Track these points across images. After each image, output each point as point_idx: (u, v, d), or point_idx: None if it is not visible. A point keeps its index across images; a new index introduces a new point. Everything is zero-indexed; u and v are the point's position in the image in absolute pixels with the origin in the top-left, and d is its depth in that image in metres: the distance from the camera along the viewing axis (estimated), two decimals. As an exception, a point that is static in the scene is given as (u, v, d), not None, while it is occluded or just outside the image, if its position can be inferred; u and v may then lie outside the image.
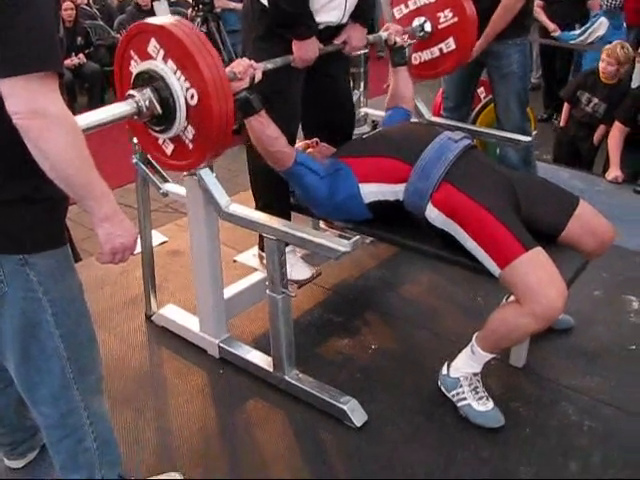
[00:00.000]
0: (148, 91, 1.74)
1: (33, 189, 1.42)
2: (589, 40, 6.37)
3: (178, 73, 1.72)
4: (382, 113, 3.43)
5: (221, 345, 2.54)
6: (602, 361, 2.56)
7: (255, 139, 2.20)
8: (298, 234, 2.13)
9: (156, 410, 2.36)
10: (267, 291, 2.25)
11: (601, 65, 4.66)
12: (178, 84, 1.72)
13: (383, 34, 2.70)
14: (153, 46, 1.75)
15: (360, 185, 2.25)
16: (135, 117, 1.76)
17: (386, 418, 2.29)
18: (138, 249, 2.97)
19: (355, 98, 3.41)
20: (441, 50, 2.98)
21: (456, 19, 2.89)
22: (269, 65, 2.21)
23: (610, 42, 4.94)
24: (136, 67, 1.81)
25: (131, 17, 7.99)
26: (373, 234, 2.50)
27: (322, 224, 3.06)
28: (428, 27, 2.94)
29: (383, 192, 2.24)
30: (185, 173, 2.30)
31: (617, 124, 4.29)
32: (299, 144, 2.54)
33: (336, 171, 2.29)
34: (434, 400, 2.32)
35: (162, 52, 1.74)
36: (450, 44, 2.94)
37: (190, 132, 1.80)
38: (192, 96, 1.73)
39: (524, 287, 2.00)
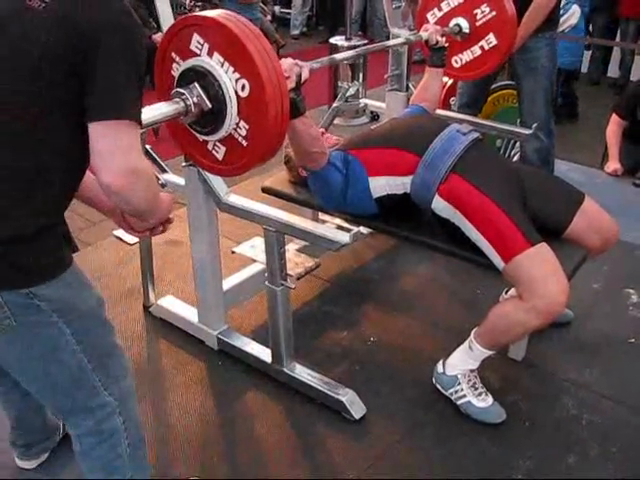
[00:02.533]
0: (195, 85, 1.62)
1: (43, 220, 1.38)
2: (560, 29, 6.33)
3: (225, 65, 1.59)
4: (381, 104, 3.45)
5: (220, 337, 2.54)
6: (601, 355, 2.56)
7: (296, 140, 2.12)
8: (298, 225, 2.12)
9: (154, 402, 2.35)
10: (266, 283, 2.24)
11: None
12: (226, 76, 1.60)
13: (423, 34, 2.66)
14: (196, 41, 1.62)
15: (369, 179, 2.24)
16: (182, 118, 1.64)
17: (385, 410, 2.29)
18: (135, 239, 2.98)
19: (354, 89, 3.41)
20: (482, 48, 2.89)
21: (494, 13, 2.81)
22: (315, 65, 2.12)
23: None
24: (179, 69, 1.68)
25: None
26: (374, 226, 2.49)
27: (321, 216, 3.04)
28: (466, 26, 2.87)
29: (391, 185, 2.22)
30: (184, 163, 2.29)
31: (615, 117, 4.28)
32: None
33: (347, 164, 2.27)
34: (433, 392, 2.31)
35: (207, 46, 1.61)
36: (491, 40, 2.85)
37: (243, 128, 1.65)
38: (243, 87, 1.59)
39: (527, 282, 1.99)
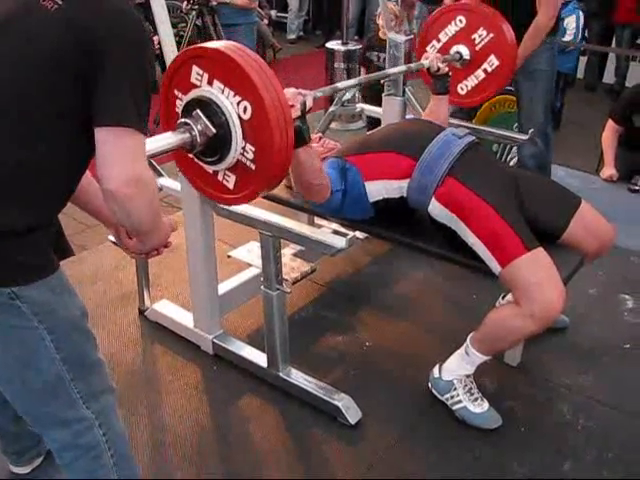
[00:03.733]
0: (198, 113, 1.64)
1: (36, 218, 1.37)
2: (580, 36, 6.39)
3: (226, 90, 1.62)
4: (378, 109, 3.45)
5: (215, 341, 2.53)
6: (596, 360, 2.56)
7: (299, 171, 2.09)
8: (294, 230, 2.12)
9: (149, 406, 2.34)
10: (262, 288, 2.24)
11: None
12: (228, 101, 1.62)
13: (425, 62, 2.67)
14: (195, 73, 1.67)
15: (366, 184, 2.24)
16: (189, 147, 1.66)
17: (380, 415, 2.28)
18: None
19: (351, 94, 3.41)
20: (485, 71, 2.93)
21: (492, 35, 2.85)
22: (318, 93, 2.12)
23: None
24: (182, 104, 1.70)
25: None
26: (370, 231, 2.49)
27: (317, 220, 3.04)
28: (466, 53, 2.91)
29: (388, 189, 2.22)
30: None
31: (611, 123, 4.28)
32: None
33: (345, 172, 2.26)
34: (428, 397, 2.31)
35: (206, 76, 1.65)
36: (493, 62, 2.89)
37: (250, 151, 1.66)
38: (245, 109, 1.61)
39: (524, 287, 1.99)
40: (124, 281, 3.04)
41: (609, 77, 7.62)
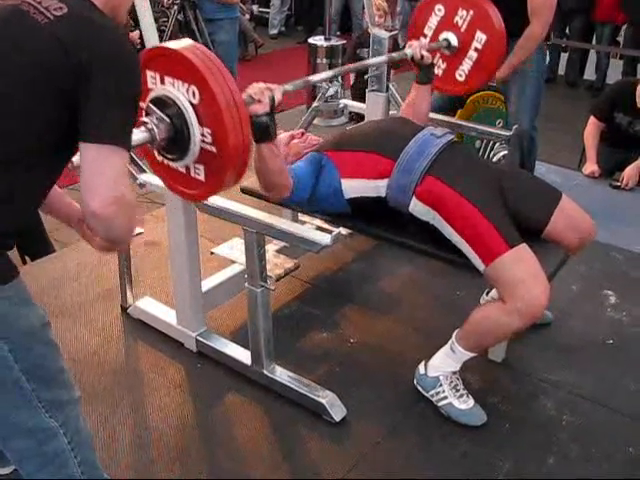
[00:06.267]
0: (151, 107, 1.67)
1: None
2: None
3: (176, 83, 1.66)
4: (361, 105, 3.44)
5: (199, 338, 2.51)
6: (580, 356, 2.57)
7: (260, 167, 2.07)
8: (278, 226, 2.11)
9: (132, 405, 2.32)
10: (246, 284, 2.22)
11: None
12: (178, 92, 1.66)
13: (408, 51, 2.59)
14: (150, 77, 1.72)
15: (342, 180, 2.23)
16: (150, 142, 1.68)
17: (365, 412, 2.28)
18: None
19: (334, 90, 3.40)
20: (477, 49, 2.87)
21: (472, 12, 2.81)
22: (288, 87, 2.08)
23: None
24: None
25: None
26: (355, 227, 2.48)
27: (301, 216, 3.03)
28: (453, 39, 2.87)
29: (364, 188, 2.22)
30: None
31: (593, 119, 4.30)
32: (283, 135, 2.49)
33: (320, 168, 2.25)
34: (413, 394, 2.31)
35: (157, 76, 1.71)
36: (480, 37, 2.83)
37: (208, 134, 1.67)
38: (193, 93, 1.64)
39: (508, 284, 2.00)
40: (106, 278, 3.01)
41: (590, 74, 7.67)
